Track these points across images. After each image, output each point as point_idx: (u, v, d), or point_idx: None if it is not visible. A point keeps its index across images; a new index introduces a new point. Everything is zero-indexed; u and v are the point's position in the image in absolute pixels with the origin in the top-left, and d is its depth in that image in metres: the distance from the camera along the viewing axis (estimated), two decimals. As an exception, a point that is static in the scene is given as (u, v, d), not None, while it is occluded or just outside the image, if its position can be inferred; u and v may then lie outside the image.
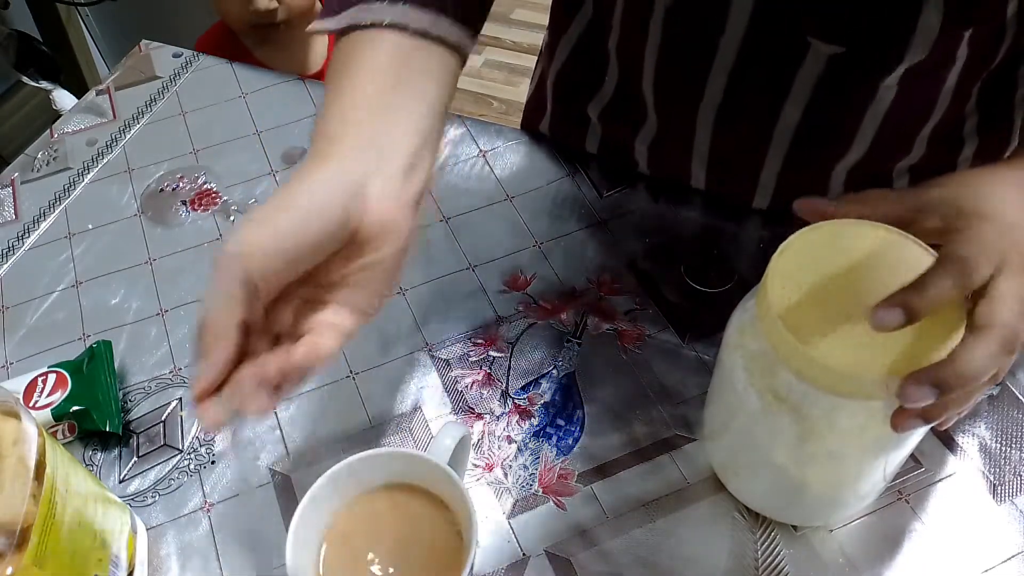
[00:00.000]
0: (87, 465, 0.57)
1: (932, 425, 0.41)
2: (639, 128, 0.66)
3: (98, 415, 0.57)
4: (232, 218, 0.71)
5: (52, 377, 0.58)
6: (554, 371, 0.60)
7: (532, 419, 0.57)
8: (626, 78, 0.63)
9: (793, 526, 0.51)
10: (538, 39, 1.27)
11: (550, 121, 0.75)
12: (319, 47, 1.22)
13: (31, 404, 0.57)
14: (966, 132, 0.60)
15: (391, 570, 0.45)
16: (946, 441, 0.55)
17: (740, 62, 0.54)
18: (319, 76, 1.18)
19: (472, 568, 0.43)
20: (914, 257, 0.41)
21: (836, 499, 0.49)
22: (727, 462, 0.53)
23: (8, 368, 0.63)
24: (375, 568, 0.45)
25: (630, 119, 0.66)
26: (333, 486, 0.46)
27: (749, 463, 0.50)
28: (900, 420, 0.39)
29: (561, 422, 0.57)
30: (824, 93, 0.54)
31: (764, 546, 0.51)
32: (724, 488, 0.53)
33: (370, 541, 0.46)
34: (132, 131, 0.79)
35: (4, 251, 0.71)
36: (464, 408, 0.58)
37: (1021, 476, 0.53)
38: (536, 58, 0.78)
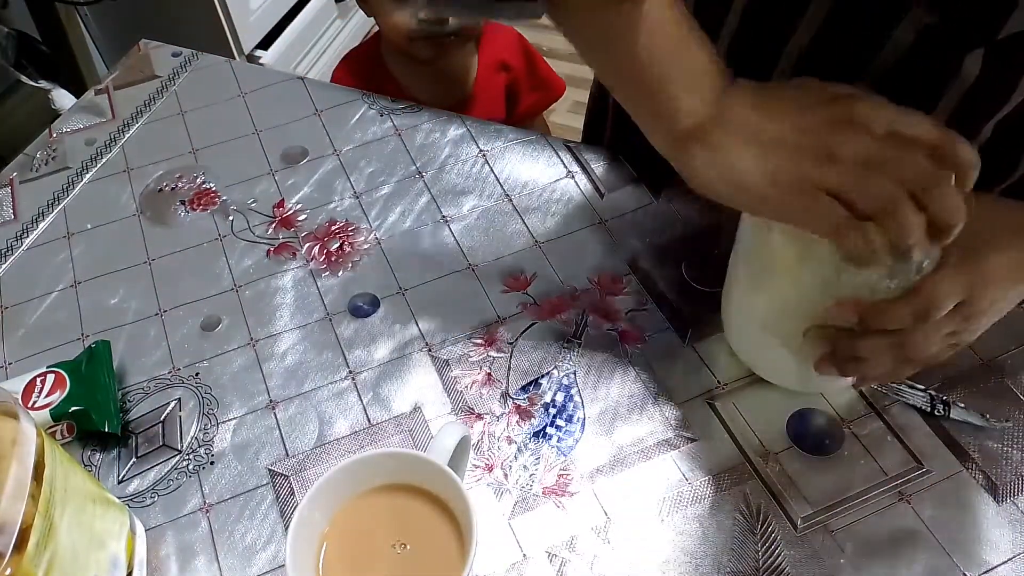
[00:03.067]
0: (86, 465, 0.57)
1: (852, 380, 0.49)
2: None
3: (97, 415, 0.57)
4: (231, 218, 0.71)
5: (51, 377, 0.58)
6: (554, 371, 0.60)
7: (532, 419, 0.57)
8: None
9: (793, 525, 0.51)
10: (538, 39, 1.25)
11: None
12: (472, 71, 1.11)
13: (30, 404, 0.56)
14: None
15: (391, 570, 0.45)
16: (947, 442, 0.55)
17: (819, 36, 0.54)
18: (465, 106, 1.07)
19: (472, 568, 0.43)
20: None
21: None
22: (742, 333, 0.57)
23: (7, 368, 0.62)
24: (375, 568, 0.45)
25: None
26: (333, 486, 0.46)
27: (760, 319, 0.53)
28: (822, 367, 0.48)
29: (561, 422, 0.57)
30: (907, 68, 0.52)
31: (764, 546, 0.51)
32: (724, 488, 0.53)
33: (370, 541, 0.46)
34: (131, 131, 0.79)
35: (3, 251, 0.70)
36: (464, 408, 0.58)
37: (1021, 476, 0.53)
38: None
